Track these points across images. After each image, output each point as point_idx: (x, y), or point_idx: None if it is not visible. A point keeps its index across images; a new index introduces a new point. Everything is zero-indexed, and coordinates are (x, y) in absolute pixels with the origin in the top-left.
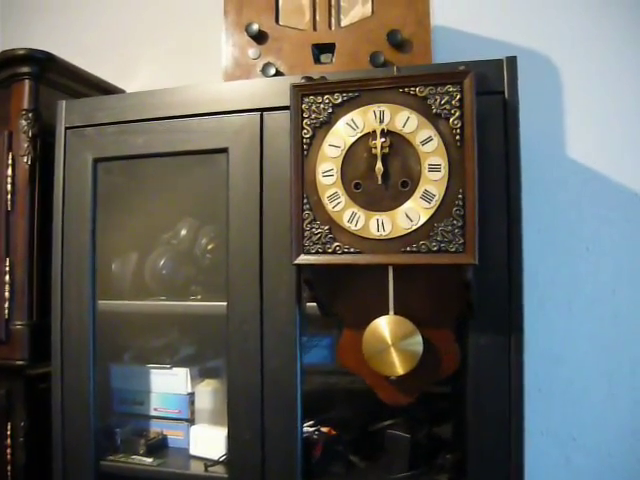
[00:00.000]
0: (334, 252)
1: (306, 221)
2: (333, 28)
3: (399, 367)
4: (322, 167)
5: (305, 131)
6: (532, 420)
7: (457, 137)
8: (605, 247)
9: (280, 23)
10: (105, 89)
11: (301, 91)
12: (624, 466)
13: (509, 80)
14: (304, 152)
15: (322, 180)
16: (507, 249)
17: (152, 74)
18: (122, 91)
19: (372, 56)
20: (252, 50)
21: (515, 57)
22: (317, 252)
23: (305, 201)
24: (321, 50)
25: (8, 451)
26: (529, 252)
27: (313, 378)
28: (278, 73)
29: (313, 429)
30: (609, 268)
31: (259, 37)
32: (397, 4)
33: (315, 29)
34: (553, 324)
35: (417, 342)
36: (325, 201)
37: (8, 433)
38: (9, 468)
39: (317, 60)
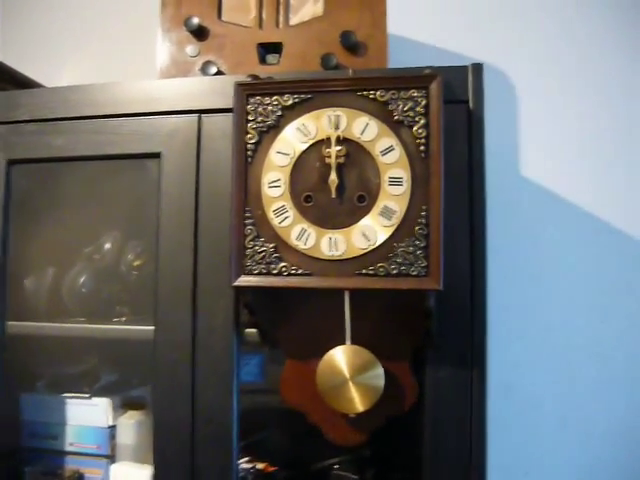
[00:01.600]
0: (280, 274)
1: (248, 238)
2: (281, 27)
3: (359, 403)
4: (268, 177)
5: (250, 136)
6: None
7: (422, 148)
8: (560, 272)
9: (223, 19)
10: (26, 84)
11: (246, 90)
12: None
13: (474, 88)
14: (248, 159)
15: (268, 192)
16: (470, 273)
17: (83, 72)
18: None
19: (323, 58)
20: (191, 47)
21: (481, 64)
22: (260, 273)
23: (248, 215)
24: (267, 50)
25: None
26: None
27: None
28: (219, 73)
29: (249, 466)
30: (564, 295)
31: (199, 33)
32: (351, 4)
33: (261, 27)
34: (505, 352)
35: (378, 375)
36: (271, 215)
37: None
38: None
39: (263, 60)
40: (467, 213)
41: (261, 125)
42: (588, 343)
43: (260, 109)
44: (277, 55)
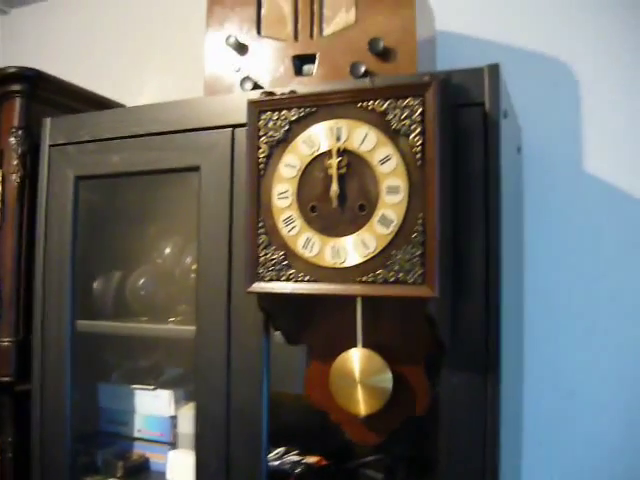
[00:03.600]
0: (288, 280)
1: (261, 246)
2: (315, 38)
3: (366, 406)
4: (278, 188)
5: (261, 150)
6: (540, 464)
7: (418, 156)
8: (625, 273)
9: (262, 34)
10: (102, 103)
11: (258, 107)
12: None
13: (490, 90)
14: (260, 172)
15: (277, 203)
16: (484, 279)
17: (155, 89)
18: (121, 105)
19: (352, 67)
20: (233, 63)
21: (498, 65)
22: (271, 279)
23: (261, 224)
24: (303, 61)
25: None
26: (541, 278)
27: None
28: (257, 87)
29: (298, 459)
30: (631, 295)
31: (239, 49)
32: (381, 11)
33: (296, 39)
34: (567, 356)
35: (386, 379)
36: (280, 225)
37: None
38: None
39: (299, 72)
40: (482, 216)
41: (271, 139)
42: None
43: (270, 124)
44: (312, 66)
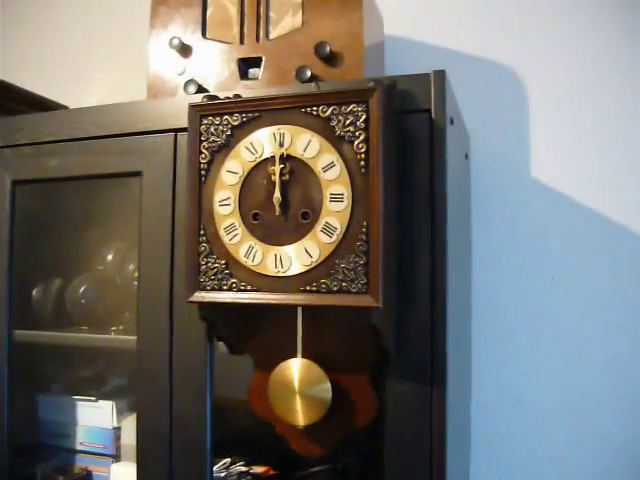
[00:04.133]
0: (230, 289)
1: (202, 255)
2: (261, 41)
3: (304, 416)
4: (219, 195)
5: (203, 155)
6: (488, 468)
7: (362, 163)
8: (572, 278)
9: (207, 36)
10: (43, 104)
11: (200, 111)
12: None
13: (437, 96)
14: (202, 178)
15: (219, 210)
16: (430, 287)
17: (98, 90)
18: (64, 107)
19: (298, 71)
20: (176, 66)
21: (444, 71)
22: (213, 289)
23: (202, 232)
24: (249, 65)
25: None
26: (488, 284)
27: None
28: (201, 90)
29: (244, 469)
30: (576, 302)
31: (183, 51)
32: (328, 15)
33: (242, 42)
34: (514, 362)
35: (325, 389)
36: (222, 233)
37: None
38: None
39: (244, 75)
40: (429, 223)
41: (212, 145)
42: (602, 354)
43: (212, 129)
44: (257, 69)
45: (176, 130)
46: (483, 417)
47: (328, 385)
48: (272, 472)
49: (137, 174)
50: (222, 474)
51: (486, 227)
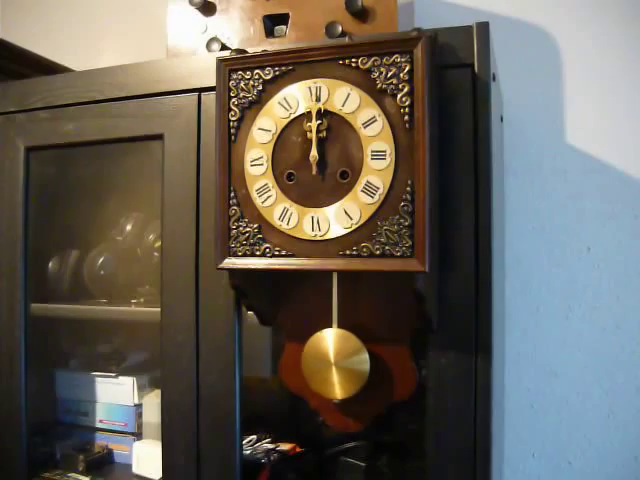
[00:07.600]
0: (263, 255)
1: (233, 219)
2: None
3: (341, 389)
4: (251, 155)
5: (232, 113)
6: (522, 441)
7: (406, 118)
8: (609, 248)
9: None
10: (54, 70)
11: (228, 66)
12: None
13: (480, 50)
14: (231, 138)
15: (250, 170)
16: (474, 253)
17: (114, 56)
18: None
19: (328, 27)
20: (198, 23)
21: (487, 23)
22: (245, 254)
23: (232, 195)
24: (274, 22)
25: None
26: (521, 253)
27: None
28: (225, 48)
29: (271, 447)
30: (613, 271)
31: (206, 9)
32: None
33: None
34: (549, 334)
35: (363, 361)
36: (254, 195)
37: None
38: None
39: (270, 33)
40: (472, 186)
41: (243, 101)
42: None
43: (242, 84)
44: (284, 27)
45: (200, 90)
46: (516, 390)
47: (366, 356)
48: (298, 449)
49: (158, 137)
50: (247, 451)
51: (519, 194)
